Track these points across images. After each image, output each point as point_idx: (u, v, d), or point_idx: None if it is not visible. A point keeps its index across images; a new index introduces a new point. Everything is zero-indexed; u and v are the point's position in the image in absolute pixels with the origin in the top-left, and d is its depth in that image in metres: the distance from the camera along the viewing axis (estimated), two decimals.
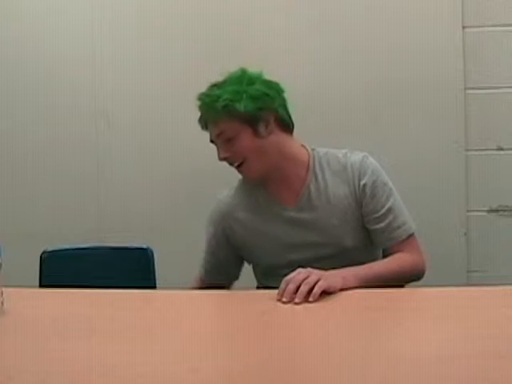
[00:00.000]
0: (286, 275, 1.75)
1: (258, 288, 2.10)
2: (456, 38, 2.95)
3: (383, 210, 1.97)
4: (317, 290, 1.66)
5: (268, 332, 1.54)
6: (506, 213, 2.99)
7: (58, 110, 3.17)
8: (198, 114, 2.02)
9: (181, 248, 3.04)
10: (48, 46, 3.15)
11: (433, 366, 1.25)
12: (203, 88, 3.06)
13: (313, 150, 2.05)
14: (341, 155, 2.03)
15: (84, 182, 3.18)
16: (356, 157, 2.01)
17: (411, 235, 1.98)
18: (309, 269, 1.72)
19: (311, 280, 1.67)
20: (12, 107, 3.18)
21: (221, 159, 1.99)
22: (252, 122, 1.95)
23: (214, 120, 1.97)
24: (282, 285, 1.69)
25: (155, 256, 2.43)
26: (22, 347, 1.44)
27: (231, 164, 2.00)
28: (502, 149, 2.98)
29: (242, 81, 1.97)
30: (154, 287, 2.33)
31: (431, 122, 2.99)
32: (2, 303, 1.68)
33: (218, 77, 2.03)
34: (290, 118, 2.02)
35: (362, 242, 2.01)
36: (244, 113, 1.93)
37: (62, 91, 3.16)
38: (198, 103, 2.00)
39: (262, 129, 1.96)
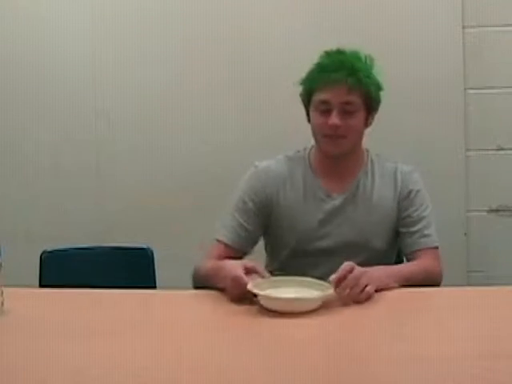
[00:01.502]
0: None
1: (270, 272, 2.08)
2: (456, 38, 2.95)
3: (419, 217, 2.03)
4: (363, 297, 1.68)
5: (268, 332, 1.54)
6: (506, 213, 2.99)
7: (58, 109, 3.16)
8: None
9: (181, 248, 3.04)
10: (48, 46, 3.14)
11: (433, 365, 1.25)
12: (203, 88, 3.09)
13: (367, 150, 2.12)
14: (390, 161, 2.11)
15: (84, 182, 3.17)
16: (406, 167, 2.10)
17: (436, 248, 2.02)
18: (358, 268, 1.71)
19: (361, 284, 1.68)
20: (12, 107, 3.18)
21: (331, 125, 1.95)
22: (370, 110, 2.02)
23: (352, 86, 1.95)
24: (338, 274, 1.68)
25: (155, 256, 2.43)
26: (21, 347, 1.44)
27: (331, 135, 1.97)
28: (502, 149, 2.98)
29: (372, 68, 2.01)
30: (154, 287, 2.33)
31: (431, 122, 2.98)
32: (2, 303, 1.68)
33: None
34: None
35: (388, 247, 2.06)
36: (372, 98, 1.99)
37: (62, 91, 3.15)
38: (329, 60, 2.00)
39: (370, 120, 2.04)
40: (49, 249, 2.43)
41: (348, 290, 1.68)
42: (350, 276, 1.68)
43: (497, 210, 3.00)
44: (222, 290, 1.78)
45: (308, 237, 2.03)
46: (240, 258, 2.03)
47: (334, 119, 1.95)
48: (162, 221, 3.11)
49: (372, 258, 1.93)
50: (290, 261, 2.06)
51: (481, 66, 2.96)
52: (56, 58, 3.15)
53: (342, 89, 1.95)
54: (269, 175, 2.07)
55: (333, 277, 1.68)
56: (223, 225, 2.06)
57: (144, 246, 2.43)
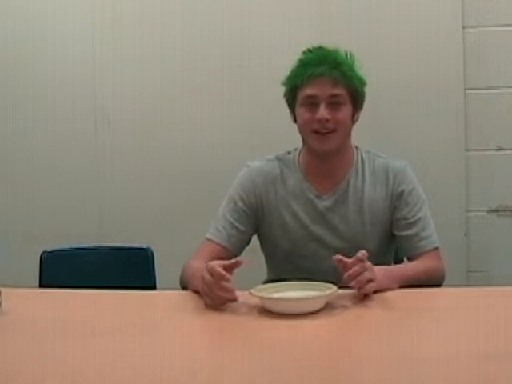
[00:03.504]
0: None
1: (266, 282, 2.05)
2: (456, 38, 2.95)
3: (414, 218, 1.99)
4: (368, 289, 1.67)
5: (268, 332, 1.54)
6: (506, 213, 2.99)
7: (58, 109, 3.17)
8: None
9: (181, 248, 3.03)
10: (48, 46, 3.14)
11: (433, 366, 1.25)
12: (203, 88, 3.09)
13: (356, 147, 2.09)
14: (382, 157, 2.07)
15: (84, 182, 3.18)
16: (398, 163, 2.05)
17: (436, 248, 1.99)
18: (363, 264, 1.69)
19: (366, 276, 1.67)
20: (12, 107, 3.18)
21: (320, 119, 1.93)
22: (356, 105, 2.00)
23: (337, 79, 1.94)
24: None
25: (155, 256, 2.43)
26: (21, 347, 1.44)
27: (320, 130, 1.94)
28: (502, 149, 2.98)
29: (355, 64, 2.00)
30: (154, 287, 2.33)
31: (431, 122, 2.99)
32: (1, 303, 1.68)
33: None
34: None
35: (382, 247, 2.03)
36: (358, 93, 1.98)
37: (62, 91, 3.15)
38: (323, 53, 1.98)
39: (356, 114, 2.01)
40: (49, 249, 2.43)
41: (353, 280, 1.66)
42: (360, 264, 1.66)
43: (497, 210, 3.00)
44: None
45: (300, 239, 2.02)
46: (230, 257, 1.97)
47: (323, 112, 1.93)
48: (162, 221, 3.12)
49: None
50: (285, 265, 2.05)
51: (481, 65, 2.96)
52: (56, 58, 3.15)
53: (328, 82, 1.94)
54: (260, 176, 2.06)
55: (338, 256, 1.68)
56: (214, 224, 2.05)
57: (144, 246, 2.43)
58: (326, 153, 2.00)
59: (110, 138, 3.16)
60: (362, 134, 3.01)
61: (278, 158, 2.10)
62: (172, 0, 3.11)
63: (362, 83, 2.00)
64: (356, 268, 1.66)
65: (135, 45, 3.12)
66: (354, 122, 2.02)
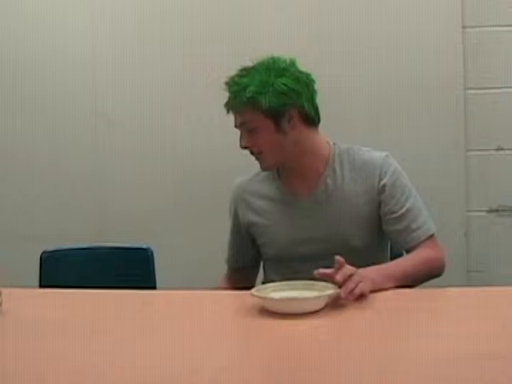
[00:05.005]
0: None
1: (263, 283, 2.06)
2: (456, 38, 2.95)
3: (402, 211, 1.96)
4: (357, 292, 1.65)
5: (268, 332, 1.54)
6: (506, 213, 2.99)
7: (58, 109, 3.17)
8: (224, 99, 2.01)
9: (181, 248, 3.04)
10: (48, 46, 3.15)
11: (433, 365, 1.25)
12: (203, 88, 3.09)
13: (334, 144, 2.06)
14: (362, 152, 2.03)
15: (84, 182, 3.18)
16: (378, 155, 2.01)
17: (431, 236, 1.97)
18: (348, 267, 1.68)
19: (354, 280, 1.66)
20: (12, 107, 3.18)
21: (241, 147, 1.99)
22: (275, 117, 1.94)
23: (238, 109, 1.97)
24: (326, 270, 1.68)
25: (155, 256, 2.43)
26: (21, 347, 1.44)
27: (251, 153, 2.01)
28: (502, 149, 2.98)
29: (271, 72, 1.95)
30: (154, 287, 2.33)
31: (431, 122, 2.98)
32: (1, 303, 1.68)
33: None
34: (316, 111, 2.01)
35: (370, 244, 2.01)
36: (267, 108, 1.92)
37: (62, 91, 3.15)
38: (226, 88, 1.99)
39: (284, 124, 1.95)
40: (49, 249, 2.43)
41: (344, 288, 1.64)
42: (342, 271, 1.65)
43: (497, 210, 3.00)
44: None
45: (287, 244, 2.02)
46: (249, 271, 2.17)
47: (241, 141, 1.99)
48: (162, 221, 3.12)
49: (353, 259, 1.75)
50: (281, 272, 2.03)
51: (481, 65, 2.96)
52: (56, 58, 3.15)
53: (236, 111, 1.98)
54: (240, 192, 2.12)
55: (320, 270, 1.67)
56: (227, 248, 2.21)
57: (144, 246, 2.43)
58: (270, 170, 2.06)
59: (110, 138, 3.16)
60: (362, 134, 3.02)
61: (257, 174, 2.12)
62: (172, 0, 3.11)
63: (280, 94, 1.92)
64: (340, 278, 1.64)
65: (135, 45, 3.12)
66: (284, 131, 1.95)
